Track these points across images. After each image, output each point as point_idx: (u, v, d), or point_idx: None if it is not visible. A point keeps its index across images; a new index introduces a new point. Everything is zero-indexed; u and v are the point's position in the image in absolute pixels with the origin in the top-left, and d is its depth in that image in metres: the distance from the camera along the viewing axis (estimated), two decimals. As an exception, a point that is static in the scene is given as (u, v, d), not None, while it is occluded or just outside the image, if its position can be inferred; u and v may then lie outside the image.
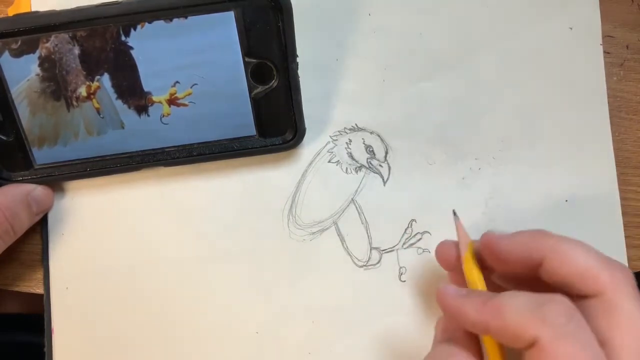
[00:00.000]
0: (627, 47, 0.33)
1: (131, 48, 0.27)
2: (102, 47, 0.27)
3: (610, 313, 0.21)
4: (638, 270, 0.33)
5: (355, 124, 0.31)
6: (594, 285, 0.22)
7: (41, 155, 0.29)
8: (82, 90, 0.28)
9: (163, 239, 0.30)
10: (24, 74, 0.27)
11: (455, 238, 0.27)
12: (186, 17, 0.26)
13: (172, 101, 0.28)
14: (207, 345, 0.30)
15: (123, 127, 0.28)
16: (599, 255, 0.22)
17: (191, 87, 0.28)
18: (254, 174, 0.31)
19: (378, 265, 0.31)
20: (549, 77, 0.32)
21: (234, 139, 0.29)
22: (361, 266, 0.31)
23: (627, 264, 0.32)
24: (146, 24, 0.26)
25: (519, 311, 0.21)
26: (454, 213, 0.28)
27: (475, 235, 0.31)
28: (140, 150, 0.29)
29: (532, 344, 0.20)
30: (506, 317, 0.21)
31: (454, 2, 0.32)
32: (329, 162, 0.31)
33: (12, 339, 0.42)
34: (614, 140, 0.32)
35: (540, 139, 0.32)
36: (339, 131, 0.31)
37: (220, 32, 0.27)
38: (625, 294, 0.21)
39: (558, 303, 0.20)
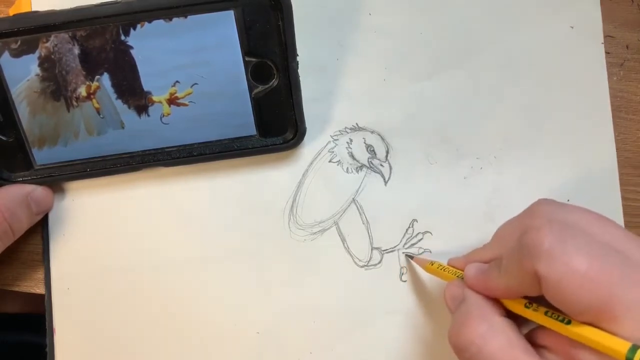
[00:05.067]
0: (627, 47, 0.33)
1: (131, 48, 0.27)
2: (101, 46, 0.27)
3: None
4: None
5: (356, 124, 0.31)
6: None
7: (41, 156, 0.29)
8: (82, 90, 0.27)
9: (163, 239, 0.30)
10: (24, 74, 0.27)
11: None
12: (186, 17, 0.26)
13: (172, 101, 0.28)
14: (208, 345, 0.30)
15: (123, 127, 0.28)
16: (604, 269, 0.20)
17: (191, 87, 0.28)
18: (254, 173, 0.31)
19: (379, 265, 0.31)
20: (550, 76, 0.32)
21: (235, 138, 0.29)
22: (362, 266, 0.31)
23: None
24: (146, 23, 0.26)
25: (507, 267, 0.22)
26: (410, 257, 0.31)
27: (476, 233, 0.31)
28: (141, 151, 0.29)
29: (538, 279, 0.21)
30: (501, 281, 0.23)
31: (454, 2, 0.31)
32: (330, 161, 0.31)
33: (12, 339, 0.42)
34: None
35: (541, 138, 0.32)
36: (339, 131, 0.31)
37: (220, 31, 0.27)
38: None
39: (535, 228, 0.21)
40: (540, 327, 0.22)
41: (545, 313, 0.22)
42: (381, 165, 0.31)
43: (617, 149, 0.32)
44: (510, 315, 0.23)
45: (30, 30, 0.26)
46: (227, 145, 0.29)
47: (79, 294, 0.30)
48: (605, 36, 0.32)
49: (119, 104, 0.28)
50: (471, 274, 0.25)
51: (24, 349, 0.41)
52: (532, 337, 0.23)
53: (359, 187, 0.31)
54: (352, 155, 0.31)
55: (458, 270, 0.27)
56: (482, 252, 0.26)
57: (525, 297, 0.23)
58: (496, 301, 0.24)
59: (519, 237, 0.22)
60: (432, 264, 0.28)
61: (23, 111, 0.27)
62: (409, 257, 0.31)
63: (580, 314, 0.20)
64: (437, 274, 0.28)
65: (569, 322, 0.21)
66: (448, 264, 0.28)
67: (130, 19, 0.26)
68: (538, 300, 0.22)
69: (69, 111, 0.28)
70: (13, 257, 0.31)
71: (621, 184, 0.32)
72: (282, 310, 0.30)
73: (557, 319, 0.21)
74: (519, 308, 0.23)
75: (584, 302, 0.20)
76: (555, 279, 0.20)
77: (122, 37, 0.26)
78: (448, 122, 0.31)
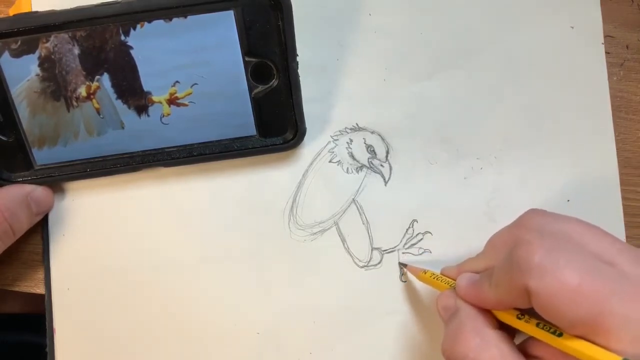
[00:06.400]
0: (627, 47, 0.33)
1: (131, 48, 0.27)
2: (101, 47, 0.27)
3: None
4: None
5: (356, 124, 0.31)
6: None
7: (41, 156, 0.29)
8: (82, 91, 0.27)
9: (163, 239, 0.30)
10: (24, 74, 0.27)
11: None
12: (186, 17, 0.26)
13: (172, 101, 0.28)
14: (208, 345, 0.30)
15: (123, 127, 0.28)
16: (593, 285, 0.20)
17: (191, 87, 0.28)
18: (254, 174, 0.31)
19: (379, 265, 0.31)
20: (551, 77, 0.32)
21: (235, 138, 0.29)
22: (362, 266, 0.31)
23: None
24: (146, 23, 0.26)
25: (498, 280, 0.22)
26: (404, 265, 0.31)
27: (476, 235, 0.31)
28: (141, 151, 0.29)
29: (529, 295, 0.21)
30: (491, 294, 0.23)
31: (454, 2, 0.31)
32: (330, 162, 0.31)
33: (12, 339, 0.42)
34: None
35: (541, 138, 0.32)
36: (339, 131, 0.31)
37: (220, 31, 0.27)
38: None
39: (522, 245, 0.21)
40: (533, 337, 0.22)
41: (537, 325, 0.22)
42: (381, 165, 0.31)
43: (617, 149, 0.32)
44: (503, 325, 0.23)
45: (30, 30, 0.26)
46: (227, 146, 0.29)
47: (79, 294, 0.30)
48: (605, 36, 0.32)
49: (119, 104, 0.28)
50: (463, 284, 0.24)
51: (24, 349, 0.41)
52: (525, 347, 0.23)
53: (359, 187, 0.31)
54: (352, 156, 0.31)
55: (451, 280, 0.27)
56: (475, 262, 0.26)
57: (517, 309, 0.23)
58: (489, 312, 0.24)
59: (510, 250, 0.22)
60: (425, 273, 0.28)
61: (23, 111, 0.27)
62: (403, 265, 0.31)
63: (572, 327, 0.20)
64: (430, 283, 0.28)
65: (560, 335, 0.21)
66: (441, 273, 0.28)
67: (130, 19, 0.26)
68: (530, 311, 0.22)
69: (69, 111, 0.28)
70: (13, 257, 0.31)
71: (621, 184, 0.32)
72: (282, 310, 0.31)
73: (548, 331, 0.21)
74: (510, 319, 0.23)
75: (575, 316, 0.20)
76: (546, 294, 0.20)
77: (122, 37, 0.26)
78: (448, 122, 0.31)
